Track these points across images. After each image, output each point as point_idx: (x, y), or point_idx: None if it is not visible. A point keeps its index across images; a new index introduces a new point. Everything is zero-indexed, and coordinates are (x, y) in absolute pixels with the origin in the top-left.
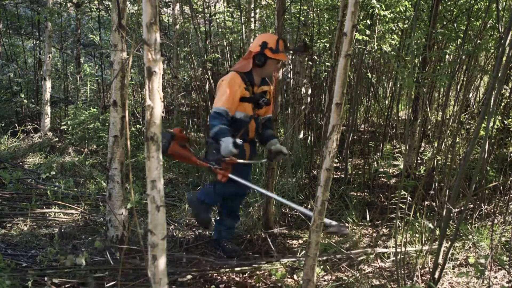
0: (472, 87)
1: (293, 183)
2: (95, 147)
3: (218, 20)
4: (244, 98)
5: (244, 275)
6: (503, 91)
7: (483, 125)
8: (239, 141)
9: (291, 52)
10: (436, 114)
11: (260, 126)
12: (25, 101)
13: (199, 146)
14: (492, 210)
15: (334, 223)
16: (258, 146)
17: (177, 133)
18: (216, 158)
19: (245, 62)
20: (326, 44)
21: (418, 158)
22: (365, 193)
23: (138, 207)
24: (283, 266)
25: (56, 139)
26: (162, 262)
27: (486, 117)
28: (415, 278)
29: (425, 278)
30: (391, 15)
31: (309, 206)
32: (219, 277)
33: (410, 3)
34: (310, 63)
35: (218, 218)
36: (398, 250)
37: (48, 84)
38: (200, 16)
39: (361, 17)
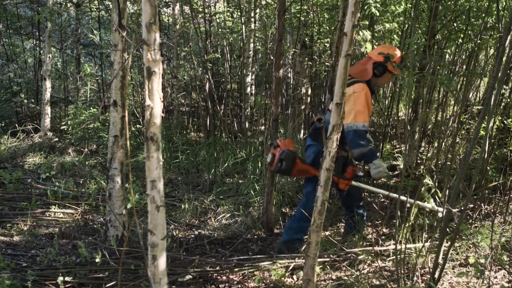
0: (472, 87)
1: (293, 183)
2: (95, 147)
3: (218, 20)
4: None
5: (244, 275)
6: (503, 91)
7: (483, 125)
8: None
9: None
10: (436, 114)
11: None
12: (25, 101)
13: (199, 146)
14: (492, 210)
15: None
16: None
17: (295, 149)
18: (337, 168)
19: (363, 68)
20: (326, 44)
21: (418, 158)
22: (365, 193)
23: (138, 207)
24: (283, 266)
25: (56, 139)
26: (162, 262)
27: (486, 117)
28: (415, 278)
29: (425, 278)
30: (391, 24)
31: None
32: (219, 277)
33: (410, 3)
34: (310, 63)
35: (294, 218)
36: (398, 248)
37: (48, 84)
38: (200, 16)
39: (360, 18)
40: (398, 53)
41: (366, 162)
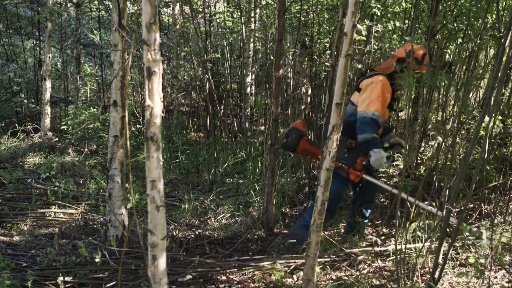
0: (472, 87)
1: (293, 183)
2: (95, 147)
3: (218, 20)
4: (388, 104)
5: (244, 275)
6: (503, 91)
7: (483, 125)
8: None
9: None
10: (436, 114)
11: None
12: (25, 101)
13: (199, 146)
14: (492, 210)
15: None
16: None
17: (304, 129)
18: (350, 159)
19: (388, 65)
20: (326, 44)
21: (418, 158)
22: None
23: (138, 207)
24: (283, 266)
25: (56, 139)
26: (162, 262)
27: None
28: (415, 278)
29: (425, 278)
30: (390, 25)
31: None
32: (219, 277)
33: (410, 3)
34: (310, 63)
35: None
36: (398, 248)
37: (48, 84)
38: (200, 16)
39: (360, 18)
40: (421, 50)
41: (368, 149)
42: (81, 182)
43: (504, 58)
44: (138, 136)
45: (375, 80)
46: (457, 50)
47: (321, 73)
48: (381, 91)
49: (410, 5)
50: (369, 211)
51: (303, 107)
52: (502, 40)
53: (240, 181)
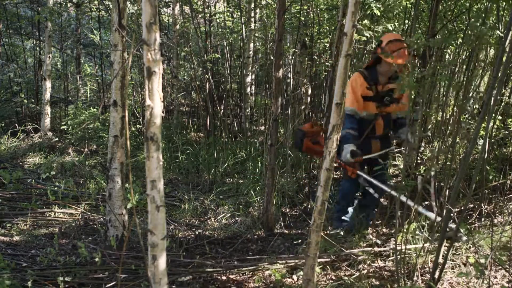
0: (472, 87)
1: (293, 183)
2: (95, 147)
3: (218, 20)
4: (366, 97)
5: (244, 275)
6: (503, 91)
7: (483, 125)
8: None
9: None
10: (436, 114)
11: (391, 123)
12: (25, 101)
13: (199, 146)
14: (492, 210)
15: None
16: None
17: (308, 130)
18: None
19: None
20: (326, 44)
21: (418, 158)
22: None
23: (138, 207)
24: (283, 266)
25: (56, 139)
26: (162, 262)
27: (486, 117)
28: (415, 278)
29: (425, 278)
30: (390, 19)
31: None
32: (219, 277)
33: (410, 3)
34: (310, 63)
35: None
36: (398, 248)
37: (48, 84)
38: (200, 16)
39: (360, 18)
40: (388, 38)
41: (340, 144)
42: (81, 182)
43: (504, 58)
44: (138, 136)
45: (350, 78)
46: (457, 50)
47: (321, 73)
48: (351, 87)
49: (410, 5)
50: (374, 214)
51: (303, 107)
52: (502, 40)
53: (240, 181)
